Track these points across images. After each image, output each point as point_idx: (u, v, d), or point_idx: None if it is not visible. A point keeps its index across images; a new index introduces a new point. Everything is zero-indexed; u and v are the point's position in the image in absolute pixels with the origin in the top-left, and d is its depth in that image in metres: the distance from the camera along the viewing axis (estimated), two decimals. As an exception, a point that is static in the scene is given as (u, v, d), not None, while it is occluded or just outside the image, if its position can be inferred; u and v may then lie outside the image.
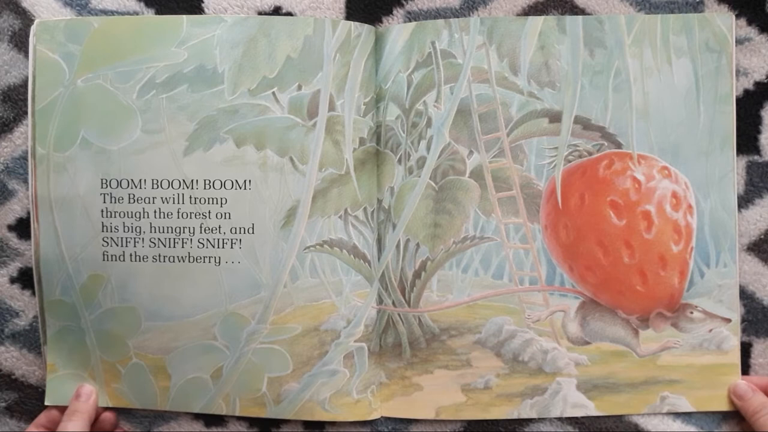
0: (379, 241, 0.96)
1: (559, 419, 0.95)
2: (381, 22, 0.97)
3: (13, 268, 0.97)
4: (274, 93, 0.92)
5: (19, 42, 0.96)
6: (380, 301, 0.96)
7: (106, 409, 0.96)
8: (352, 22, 0.93)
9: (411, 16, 0.96)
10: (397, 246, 0.95)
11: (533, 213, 0.94)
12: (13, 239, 0.97)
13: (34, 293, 0.96)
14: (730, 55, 0.93)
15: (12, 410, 0.98)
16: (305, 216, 0.92)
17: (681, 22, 0.93)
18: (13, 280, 0.97)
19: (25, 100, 0.95)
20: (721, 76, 0.93)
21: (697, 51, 0.93)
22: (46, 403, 0.96)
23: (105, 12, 0.96)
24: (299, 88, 0.92)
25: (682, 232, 0.93)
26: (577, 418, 0.95)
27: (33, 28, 0.94)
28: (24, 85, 0.95)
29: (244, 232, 0.92)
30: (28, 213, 0.96)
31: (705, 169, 0.93)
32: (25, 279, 0.97)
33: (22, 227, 0.97)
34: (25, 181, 0.96)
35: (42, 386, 0.97)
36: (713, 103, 0.93)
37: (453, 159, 0.94)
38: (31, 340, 0.97)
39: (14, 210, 0.96)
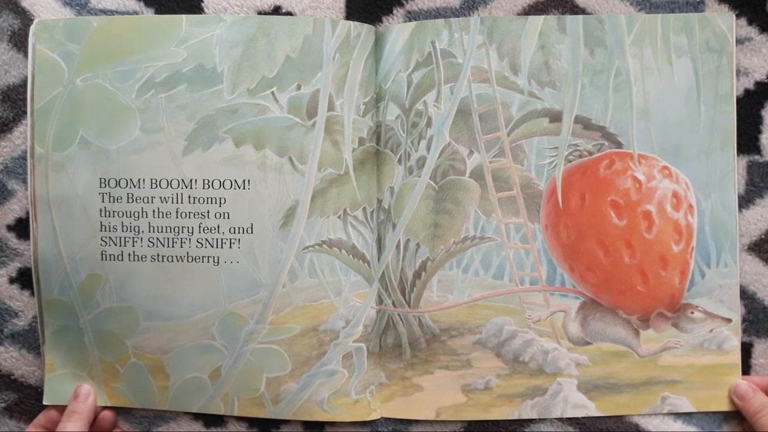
0: (379, 241, 0.96)
1: (560, 420, 0.95)
2: (381, 21, 0.96)
3: (12, 268, 0.97)
4: (273, 93, 0.92)
5: (19, 42, 0.96)
6: (380, 301, 0.96)
7: (105, 408, 0.96)
8: (351, 22, 0.93)
9: (411, 16, 0.96)
10: (397, 246, 0.95)
11: (534, 213, 0.94)
12: (12, 239, 0.97)
13: (33, 293, 0.96)
14: (730, 55, 0.93)
15: (11, 411, 0.98)
16: (304, 216, 0.92)
17: (681, 22, 0.93)
18: (12, 281, 0.97)
19: (25, 99, 0.95)
20: (722, 75, 0.93)
21: (698, 51, 0.93)
22: (44, 403, 0.96)
23: (104, 11, 0.96)
24: (298, 87, 0.92)
25: (682, 232, 0.93)
26: (577, 418, 0.95)
27: (32, 28, 0.94)
28: (23, 84, 0.95)
29: (243, 232, 0.92)
30: (28, 213, 0.96)
31: (706, 169, 0.93)
32: (24, 279, 0.97)
33: (22, 227, 0.96)
34: (25, 181, 0.96)
35: (41, 387, 0.97)
36: (714, 102, 0.93)
37: (453, 159, 0.94)
38: (31, 340, 0.97)
39: (13, 210, 0.96)
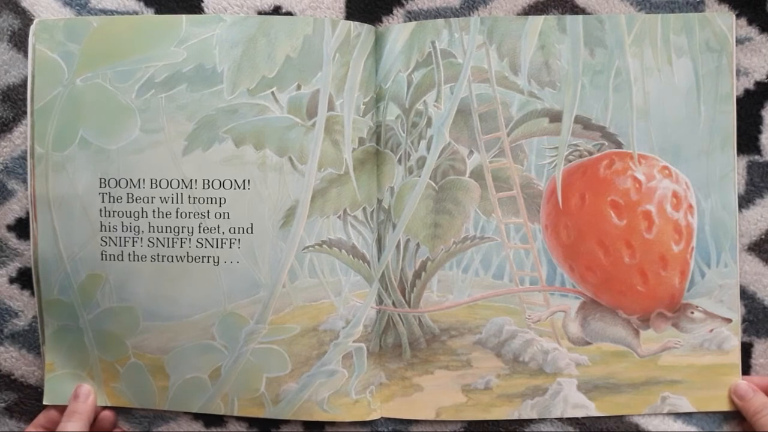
0: (379, 241, 0.96)
1: (560, 420, 0.95)
2: (381, 21, 0.96)
3: (12, 268, 0.97)
4: (273, 93, 0.92)
5: (19, 42, 0.96)
6: (380, 301, 0.96)
7: (105, 408, 0.96)
8: (351, 22, 0.93)
9: (411, 16, 0.96)
10: (397, 246, 0.95)
11: (534, 213, 0.94)
12: (12, 239, 0.97)
13: (33, 293, 0.96)
14: (730, 55, 0.93)
15: (11, 411, 0.98)
16: (304, 216, 0.92)
17: (681, 22, 0.93)
18: (12, 281, 0.97)
19: (25, 99, 0.95)
20: (722, 75, 0.93)
21: (698, 51, 0.93)
22: (44, 403, 0.96)
23: (104, 11, 0.96)
24: (298, 87, 0.92)
25: (682, 232, 0.93)
26: (577, 418, 0.95)
27: (32, 28, 0.94)
28: (23, 84, 0.95)
29: (243, 232, 0.92)
30: (28, 213, 0.96)
31: (706, 169, 0.93)
32: (24, 279, 0.97)
33: (22, 227, 0.96)
34: (25, 181, 0.96)
35: (41, 387, 0.97)
36: (714, 102, 0.93)
37: (453, 159, 0.94)
38: (31, 340, 0.97)
39: (13, 210, 0.96)
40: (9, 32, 0.96)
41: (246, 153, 0.92)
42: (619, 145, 0.93)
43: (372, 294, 0.95)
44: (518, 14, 0.95)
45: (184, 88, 0.92)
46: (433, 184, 0.95)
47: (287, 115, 0.92)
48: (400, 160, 0.95)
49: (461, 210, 0.94)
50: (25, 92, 0.95)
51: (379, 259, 0.96)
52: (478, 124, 0.94)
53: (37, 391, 0.98)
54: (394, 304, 0.96)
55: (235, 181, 0.92)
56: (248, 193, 0.92)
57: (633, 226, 0.92)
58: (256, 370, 0.94)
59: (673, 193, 0.92)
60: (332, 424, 0.96)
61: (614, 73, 0.93)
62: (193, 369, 0.94)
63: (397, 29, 0.95)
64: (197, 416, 0.97)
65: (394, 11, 0.96)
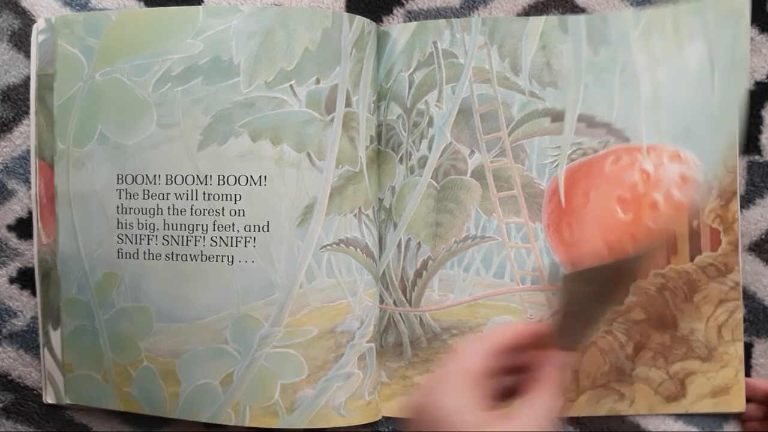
0: (380, 241, 0.96)
1: (560, 419, 0.95)
2: (381, 21, 0.97)
3: (13, 268, 0.97)
4: (291, 86, 0.90)
5: (19, 42, 0.96)
6: (381, 300, 0.96)
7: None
8: (365, 19, 0.93)
9: (411, 16, 0.97)
10: (398, 245, 0.95)
11: (535, 212, 0.94)
12: (12, 239, 0.97)
13: (33, 293, 0.97)
14: (746, 22, 0.92)
15: (9, 411, 0.98)
16: (322, 214, 0.91)
17: (692, 7, 0.92)
18: (12, 281, 0.97)
19: (25, 99, 0.95)
20: (738, 42, 0.91)
21: (712, 26, 0.92)
22: (65, 402, 0.96)
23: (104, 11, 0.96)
24: (317, 81, 0.91)
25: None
26: (578, 417, 0.95)
27: (41, 24, 0.95)
28: (23, 84, 0.96)
29: (259, 230, 0.91)
30: (29, 213, 0.96)
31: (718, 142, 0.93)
32: (24, 279, 0.97)
33: (22, 227, 0.97)
34: (26, 181, 0.96)
35: (39, 387, 0.97)
36: (729, 72, 0.91)
37: (454, 158, 0.95)
38: (29, 341, 0.97)
39: (14, 210, 0.96)
40: (9, 32, 0.96)
41: (263, 148, 0.90)
42: (626, 139, 0.93)
43: (378, 293, 0.96)
44: (518, 14, 0.96)
45: (200, 81, 0.90)
46: (435, 184, 0.95)
47: (306, 109, 0.91)
48: (401, 160, 0.95)
49: (462, 209, 0.95)
50: (25, 92, 0.95)
51: (380, 258, 0.96)
52: (480, 124, 0.94)
53: (33, 392, 0.98)
54: (395, 303, 0.96)
55: (251, 177, 0.90)
56: (264, 190, 0.90)
57: (638, 218, 0.92)
58: (270, 376, 0.91)
59: (681, 176, 0.92)
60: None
61: (620, 69, 0.93)
62: (205, 374, 0.92)
63: (399, 29, 0.95)
64: (199, 416, 0.96)
65: (394, 11, 0.97)
